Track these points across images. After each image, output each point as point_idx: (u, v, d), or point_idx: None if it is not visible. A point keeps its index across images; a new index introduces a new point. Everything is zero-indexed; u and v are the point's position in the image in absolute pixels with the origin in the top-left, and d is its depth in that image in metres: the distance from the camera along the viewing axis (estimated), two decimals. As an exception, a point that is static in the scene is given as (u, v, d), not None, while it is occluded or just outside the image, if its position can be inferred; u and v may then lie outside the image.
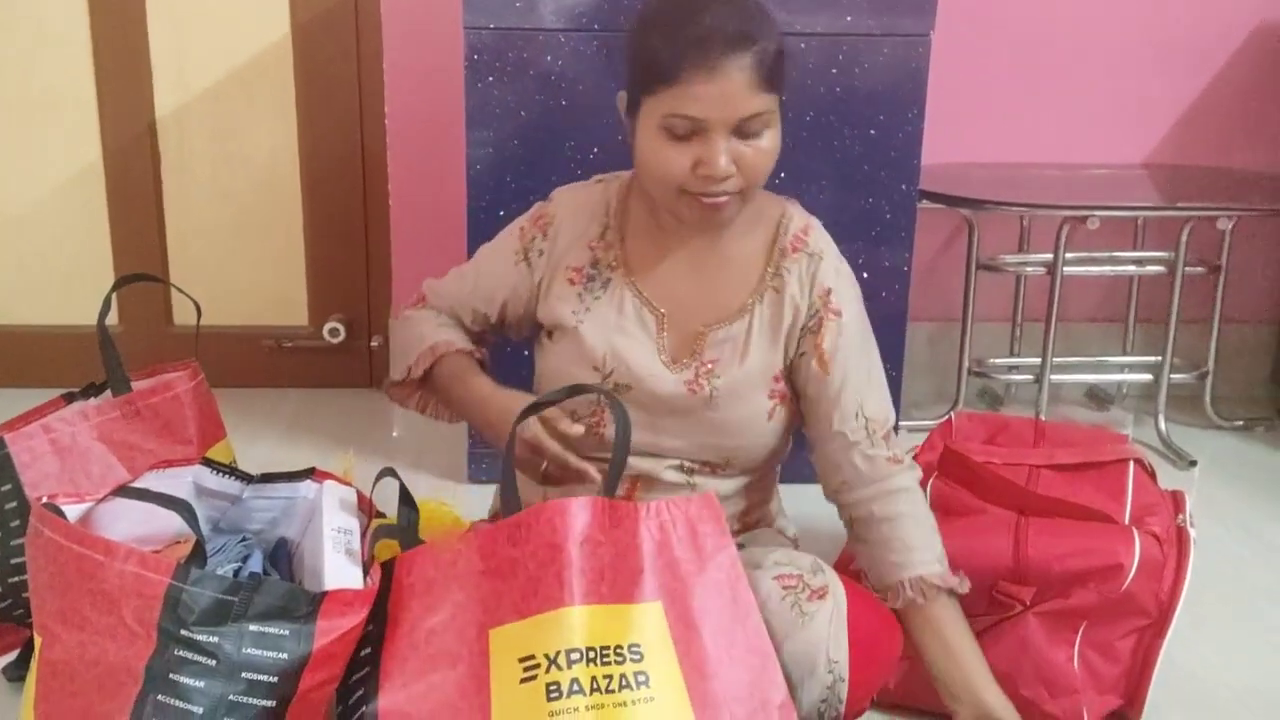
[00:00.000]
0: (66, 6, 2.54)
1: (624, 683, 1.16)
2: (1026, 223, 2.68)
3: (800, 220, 1.55)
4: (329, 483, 1.48)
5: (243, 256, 2.72)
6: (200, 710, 1.18)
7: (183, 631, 1.18)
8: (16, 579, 1.57)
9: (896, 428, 1.59)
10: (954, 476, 1.64)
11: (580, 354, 1.51)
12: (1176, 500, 1.66)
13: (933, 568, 1.47)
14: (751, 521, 1.63)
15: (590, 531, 1.22)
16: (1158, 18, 2.66)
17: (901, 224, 2.17)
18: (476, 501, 1.79)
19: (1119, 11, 2.65)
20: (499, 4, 2.02)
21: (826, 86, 2.09)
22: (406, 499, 1.39)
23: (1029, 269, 2.59)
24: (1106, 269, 2.63)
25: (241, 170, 2.67)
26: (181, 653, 1.18)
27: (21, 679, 1.50)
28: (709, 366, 1.50)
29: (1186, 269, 2.50)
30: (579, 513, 1.22)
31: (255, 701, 1.20)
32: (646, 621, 1.19)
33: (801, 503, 1.76)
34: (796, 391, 1.55)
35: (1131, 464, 1.69)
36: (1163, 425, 2.57)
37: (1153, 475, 1.72)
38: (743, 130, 1.37)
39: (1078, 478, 1.67)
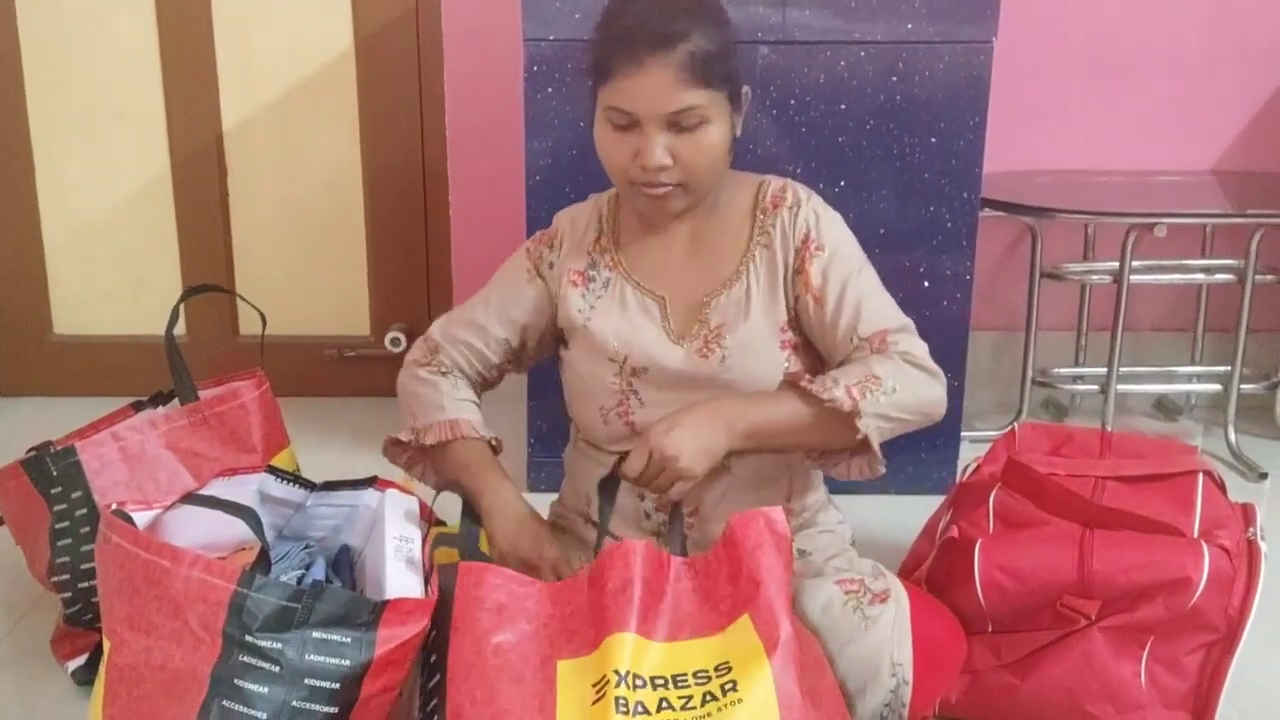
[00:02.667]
0: (135, 20, 2.59)
1: (708, 698, 1.17)
2: (1091, 230, 2.64)
3: (779, 182, 1.60)
4: (391, 491, 1.50)
5: (306, 267, 2.76)
6: (264, 715, 1.20)
7: (247, 637, 1.20)
8: (86, 584, 1.60)
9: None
10: (1018, 488, 1.62)
11: (594, 349, 1.57)
12: (1247, 513, 1.63)
13: (831, 391, 1.43)
14: (798, 510, 1.62)
15: (661, 575, 1.26)
16: (1224, 21, 2.61)
17: (963, 232, 2.15)
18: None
19: (1185, 15, 2.61)
20: (558, 15, 2.03)
21: (887, 94, 2.08)
22: (470, 512, 1.41)
23: (1094, 278, 2.55)
24: (1174, 277, 2.58)
25: (305, 181, 2.71)
26: (246, 658, 1.20)
27: (90, 682, 1.53)
28: (716, 331, 1.54)
29: (1256, 277, 2.45)
30: (652, 555, 1.26)
31: (318, 708, 1.21)
32: (735, 639, 1.22)
33: (860, 512, 1.75)
34: (807, 338, 1.57)
35: (1200, 476, 1.66)
36: (1232, 436, 2.52)
37: (1222, 487, 1.69)
38: (677, 124, 1.44)
39: (1145, 490, 1.64)
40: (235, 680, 1.19)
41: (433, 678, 1.26)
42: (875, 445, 1.43)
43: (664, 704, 1.17)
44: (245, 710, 1.19)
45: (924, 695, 1.38)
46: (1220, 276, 2.53)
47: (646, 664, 1.19)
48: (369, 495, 1.52)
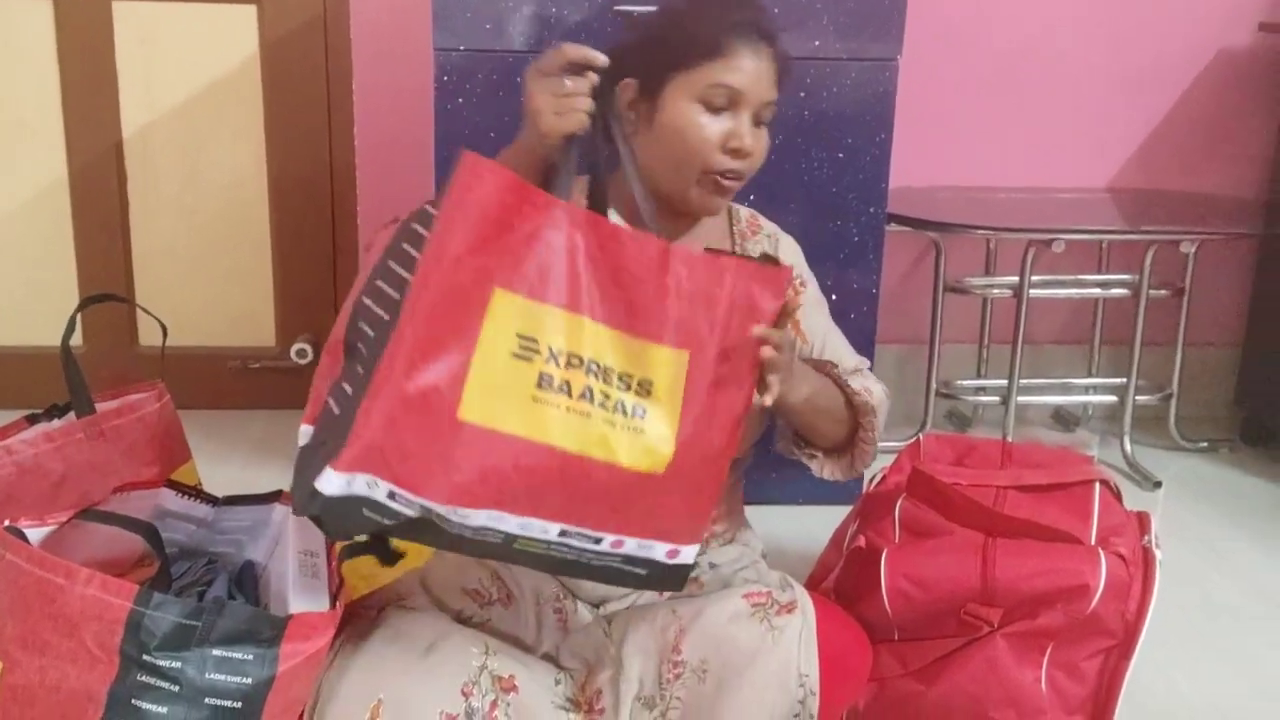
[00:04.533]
0: (33, 24, 2.53)
1: (618, 407, 1.19)
2: (993, 245, 2.70)
3: (745, 210, 1.65)
4: (296, 505, 1.47)
5: (209, 277, 2.71)
6: (164, 736, 1.17)
7: (145, 656, 1.17)
8: (-24, 603, 1.55)
9: (871, 368, 1.69)
10: (922, 498, 1.65)
11: None
12: (1142, 521, 1.67)
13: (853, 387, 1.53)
14: (721, 532, 1.63)
15: (646, 267, 1.23)
16: (1122, 44, 2.69)
17: (869, 246, 2.19)
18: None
19: (1084, 37, 2.68)
20: (469, 26, 2.03)
21: (795, 110, 2.11)
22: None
23: (995, 291, 2.61)
24: (1072, 291, 2.65)
25: (208, 190, 2.66)
26: (144, 678, 1.17)
27: (-20, 705, 1.48)
28: None
29: (1150, 292, 2.53)
30: (649, 246, 1.23)
31: (219, 727, 1.19)
32: (673, 366, 1.22)
33: (769, 523, 1.76)
34: None
35: (1097, 485, 1.69)
36: (1128, 446, 2.59)
37: (1118, 496, 1.73)
38: (760, 116, 1.46)
39: (1044, 499, 1.68)
40: (133, 700, 1.16)
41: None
42: (871, 446, 1.52)
43: (586, 393, 1.18)
44: (144, 731, 1.16)
45: (831, 705, 1.39)
46: (1116, 291, 2.61)
47: (588, 345, 1.19)
48: (273, 510, 1.50)
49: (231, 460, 2.45)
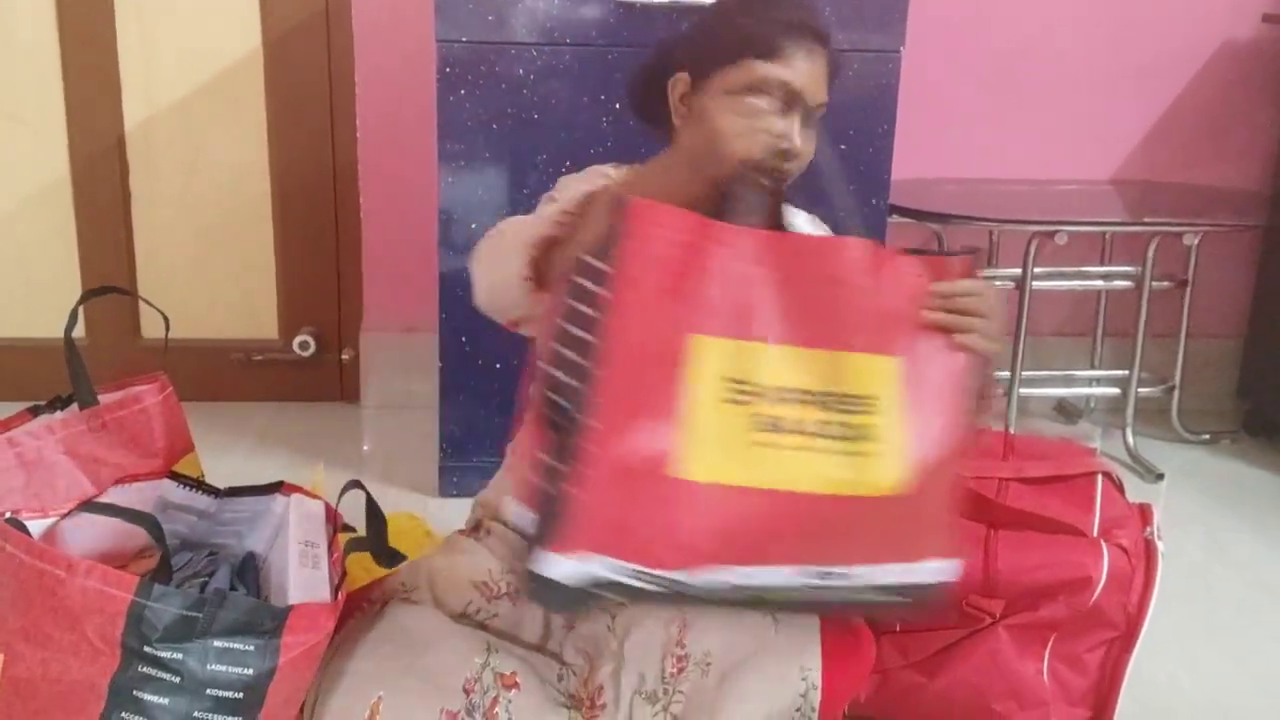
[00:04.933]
0: (35, 17, 2.53)
1: (844, 432, 1.13)
2: (995, 237, 2.69)
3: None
4: (297, 496, 1.48)
5: (212, 269, 2.71)
6: (165, 727, 1.17)
7: (146, 648, 1.17)
8: (-21, 595, 1.55)
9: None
10: (924, 490, 1.65)
11: None
12: (1144, 513, 1.67)
13: None
14: None
15: (850, 273, 1.18)
16: (1125, 36, 2.69)
17: (871, 238, 2.18)
18: (448, 516, 1.78)
19: (1087, 29, 2.68)
20: (471, 17, 2.02)
21: (797, 101, 2.10)
22: (374, 510, 1.39)
23: (998, 283, 2.60)
24: (1074, 283, 2.65)
25: (211, 183, 2.66)
26: (145, 669, 1.17)
27: (-17, 697, 1.48)
28: None
29: (1153, 284, 2.52)
30: (850, 250, 1.19)
31: (221, 718, 1.19)
32: (888, 375, 1.16)
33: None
34: None
35: (1100, 477, 1.69)
36: (1130, 438, 2.59)
37: (1120, 488, 1.73)
38: (809, 118, 1.46)
39: (1046, 491, 1.68)
40: (134, 692, 1.17)
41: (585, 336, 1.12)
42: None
43: (808, 426, 1.12)
44: (146, 722, 1.17)
45: (833, 698, 1.39)
46: (1118, 283, 2.60)
47: (800, 374, 1.13)
48: (275, 501, 1.50)
49: (234, 452, 2.45)
